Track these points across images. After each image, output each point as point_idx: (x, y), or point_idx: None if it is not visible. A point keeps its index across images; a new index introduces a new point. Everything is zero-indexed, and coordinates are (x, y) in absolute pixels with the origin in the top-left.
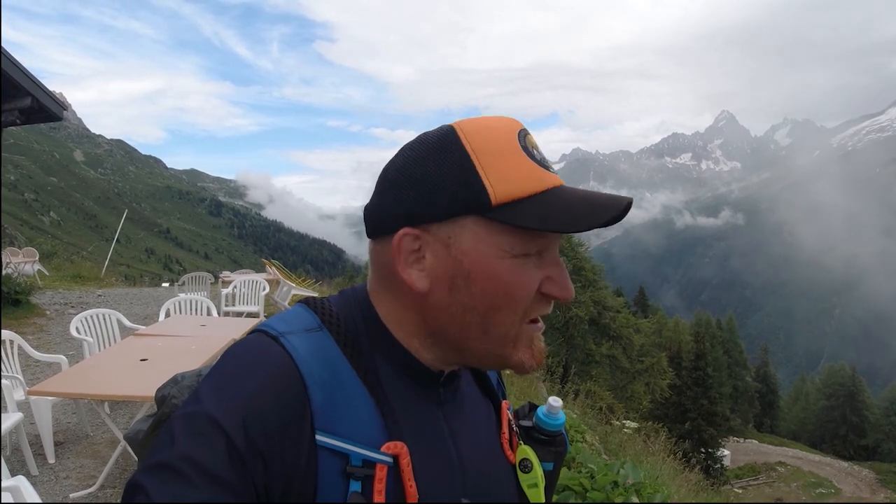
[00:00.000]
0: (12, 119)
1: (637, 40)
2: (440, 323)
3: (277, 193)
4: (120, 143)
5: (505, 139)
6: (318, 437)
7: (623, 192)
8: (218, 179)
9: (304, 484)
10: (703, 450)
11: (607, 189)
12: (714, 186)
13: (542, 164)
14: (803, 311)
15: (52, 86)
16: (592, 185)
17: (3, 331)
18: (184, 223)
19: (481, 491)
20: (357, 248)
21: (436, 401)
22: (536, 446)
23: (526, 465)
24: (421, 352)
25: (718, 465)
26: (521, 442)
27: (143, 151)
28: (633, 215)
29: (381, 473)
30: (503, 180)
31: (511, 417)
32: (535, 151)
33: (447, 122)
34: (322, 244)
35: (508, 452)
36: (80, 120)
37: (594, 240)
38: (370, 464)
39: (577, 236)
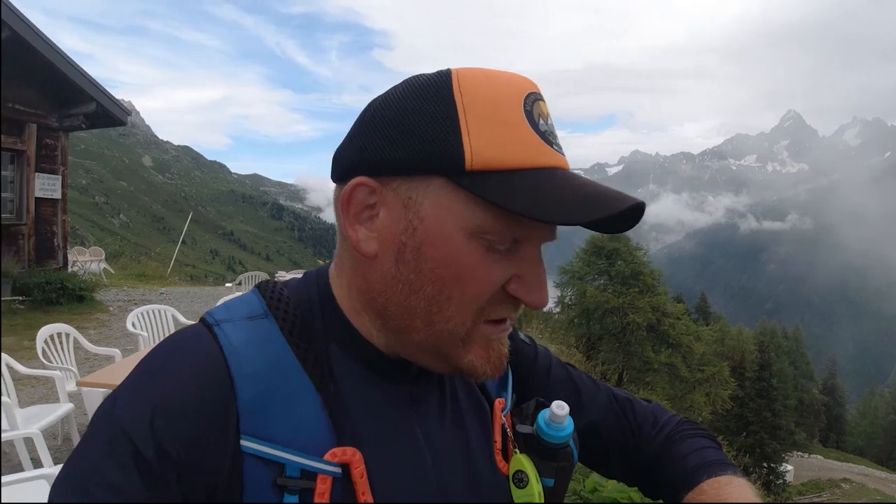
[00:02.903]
0: (78, 123)
1: (694, 39)
2: (382, 299)
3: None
4: (186, 150)
5: (508, 97)
6: (242, 441)
7: (684, 195)
8: (279, 183)
9: (228, 496)
10: (764, 464)
11: (667, 192)
12: (780, 189)
13: (546, 138)
14: (874, 322)
15: (121, 95)
16: (652, 189)
17: (59, 324)
18: (246, 226)
19: (466, 498)
20: None
21: (406, 399)
22: (536, 458)
23: (520, 480)
24: (374, 336)
25: (781, 481)
26: (517, 451)
27: (209, 157)
28: (696, 219)
29: (323, 486)
30: (487, 143)
31: (505, 420)
32: (542, 121)
33: None
34: None
35: (500, 462)
36: (148, 127)
37: (653, 244)
38: (310, 474)
39: (635, 239)
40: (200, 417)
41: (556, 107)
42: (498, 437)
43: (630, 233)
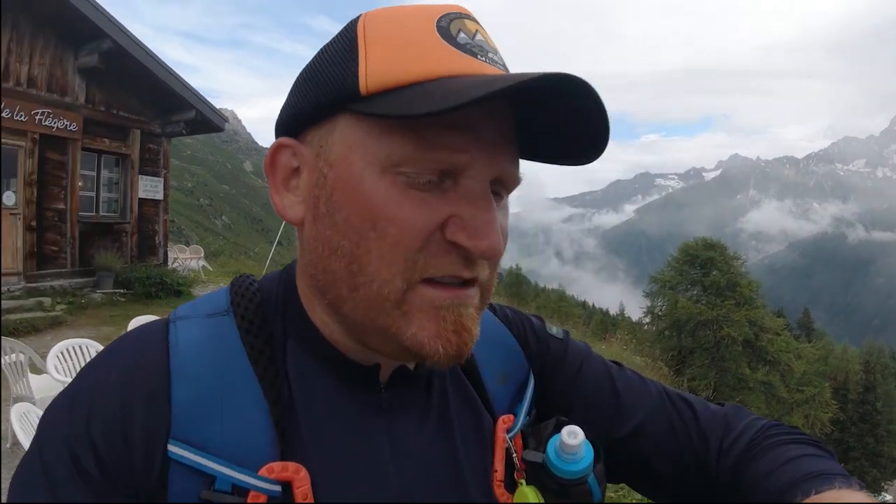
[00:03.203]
0: (178, 129)
1: (798, 36)
2: (312, 270)
3: None
4: None
5: (415, 19)
6: (170, 447)
7: (787, 202)
8: None
9: (153, 500)
10: None
11: (769, 198)
12: (892, 196)
13: (468, 50)
14: None
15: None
16: (752, 195)
17: (145, 316)
18: None
19: None
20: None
21: (373, 407)
22: (547, 494)
23: None
24: (331, 329)
25: None
26: (523, 482)
27: None
28: (800, 227)
29: None
30: (383, 63)
31: (512, 443)
32: (465, 35)
33: None
34: None
35: (502, 495)
36: (249, 135)
37: (752, 253)
38: (243, 491)
39: (732, 247)
40: (128, 417)
41: (648, 110)
42: (499, 464)
43: (727, 241)
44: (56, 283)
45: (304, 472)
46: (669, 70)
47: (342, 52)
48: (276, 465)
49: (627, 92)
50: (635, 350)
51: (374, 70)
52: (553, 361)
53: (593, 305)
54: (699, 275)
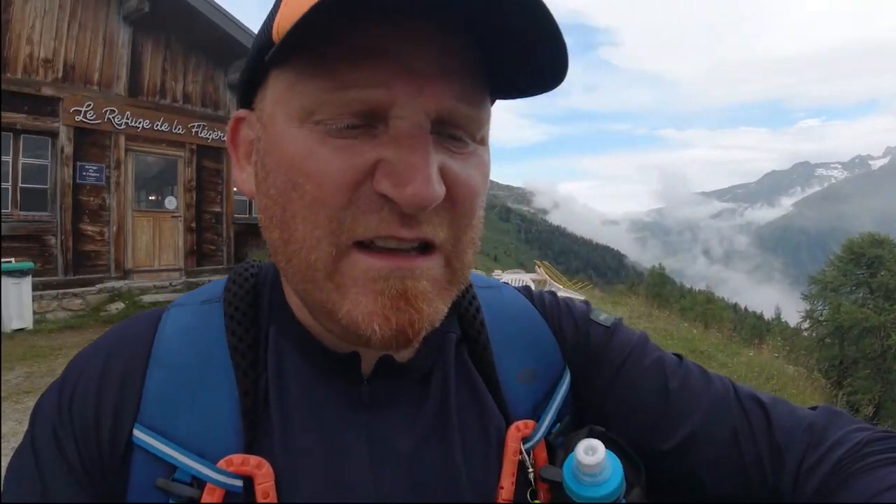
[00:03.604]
0: None
1: None
2: (267, 247)
3: (562, 199)
4: None
5: None
6: (135, 431)
7: None
8: (508, 187)
9: (114, 489)
10: None
11: None
12: None
13: None
14: None
15: None
16: None
17: None
18: None
19: None
20: (640, 253)
21: (353, 401)
22: None
23: None
24: (302, 312)
25: None
26: (537, 502)
27: None
28: None
29: (210, 499)
30: (293, 6)
31: (529, 455)
32: None
33: (742, 118)
34: (605, 249)
35: None
36: None
37: None
38: (202, 483)
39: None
40: (99, 404)
41: (805, 95)
42: (508, 479)
43: None
44: (213, 278)
45: (266, 468)
46: (829, 48)
47: (272, 8)
48: (237, 458)
49: (781, 75)
50: (788, 359)
51: (284, 14)
52: (593, 355)
53: (745, 308)
54: (865, 275)
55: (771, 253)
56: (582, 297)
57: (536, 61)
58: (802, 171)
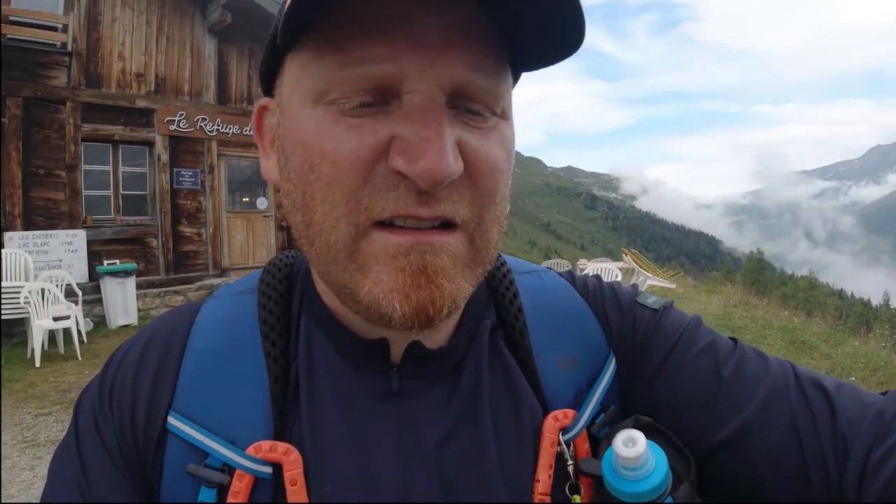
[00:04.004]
0: None
1: None
2: (292, 233)
3: (650, 184)
4: None
5: None
6: (170, 418)
7: None
8: (592, 174)
9: (152, 473)
10: None
11: None
12: None
13: None
14: None
15: None
16: None
17: None
18: (562, 217)
19: None
20: (736, 238)
21: (381, 391)
22: None
23: None
24: (330, 297)
25: None
26: (577, 499)
27: (525, 154)
28: None
29: (239, 485)
30: None
31: (569, 447)
32: None
33: (842, 90)
34: (698, 235)
35: None
36: None
37: None
38: (233, 470)
39: None
40: (136, 390)
41: None
42: (544, 471)
43: None
44: None
45: (295, 455)
46: None
47: None
48: (265, 445)
49: (881, 42)
50: None
51: None
52: (640, 340)
53: (851, 294)
54: None
55: (878, 234)
56: (672, 286)
57: (551, 24)
58: None
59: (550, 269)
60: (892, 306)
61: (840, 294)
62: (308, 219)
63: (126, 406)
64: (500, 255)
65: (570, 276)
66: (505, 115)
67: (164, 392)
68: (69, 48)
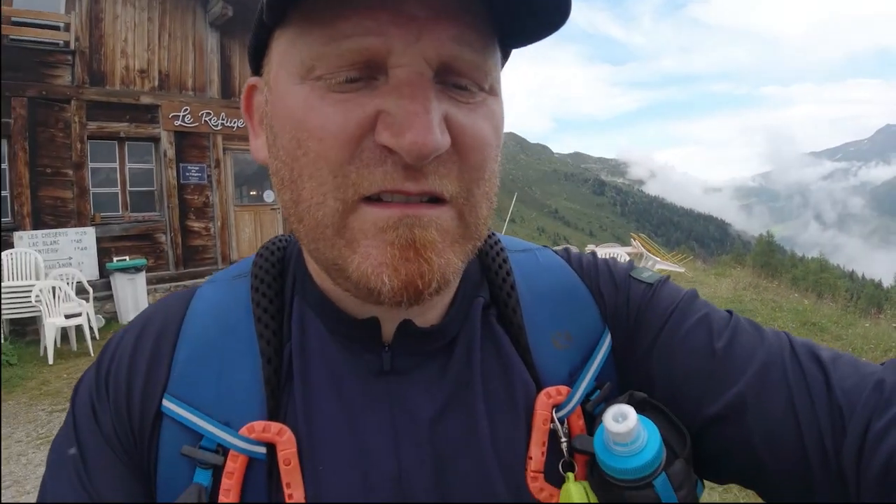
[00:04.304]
0: None
1: None
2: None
3: (658, 168)
4: (511, 136)
5: None
6: (164, 402)
7: None
8: (600, 160)
9: (148, 457)
10: None
11: None
12: None
13: None
14: None
15: None
16: None
17: None
18: (570, 203)
19: None
20: (746, 222)
21: (374, 369)
22: (603, 494)
23: None
24: (321, 277)
25: None
26: (571, 476)
27: (532, 140)
28: None
29: (233, 465)
30: None
31: (562, 424)
32: None
33: (851, 70)
34: (708, 219)
35: (536, 487)
36: None
37: None
38: (227, 451)
39: None
40: (132, 374)
41: None
42: (537, 448)
43: None
44: None
45: (288, 435)
46: None
47: None
48: (258, 425)
49: (892, 20)
50: None
51: None
52: (634, 314)
53: (862, 276)
54: None
55: (889, 215)
56: (682, 270)
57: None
58: None
59: (547, 247)
60: None
61: (851, 276)
62: (296, 196)
63: (122, 392)
64: (493, 234)
65: (566, 254)
66: (493, 91)
67: (159, 376)
68: (72, 47)
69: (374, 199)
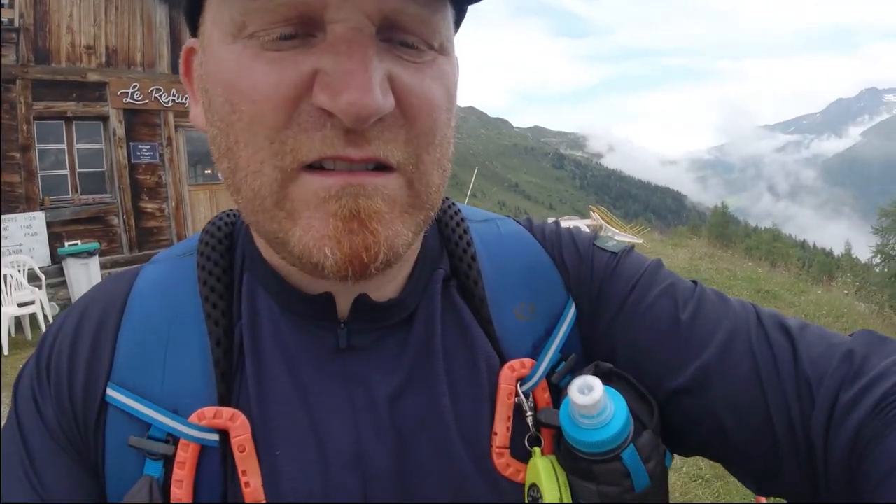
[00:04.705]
0: None
1: None
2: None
3: (617, 141)
4: (472, 110)
5: None
6: (108, 391)
7: None
8: (559, 133)
9: (94, 449)
10: None
11: None
12: None
13: None
14: None
15: None
16: None
17: None
18: (530, 177)
19: None
20: (701, 193)
21: (329, 346)
22: (571, 469)
23: (534, 500)
24: (269, 252)
25: None
26: (537, 451)
27: (492, 115)
28: None
29: (184, 455)
30: None
31: (527, 398)
32: None
33: (806, 44)
34: (664, 191)
35: (506, 463)
36: None
37: None
38: (177, 439)
39: None
40: (73, 362)
41: (873, 12)
42: (502, 423)
43: None
44: None
45: (241, 420)
46: None
47: None
48: (209, 411)
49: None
50: (859, 296)
51: None
52: (598, 284)
53: (814, 245)
54: None
55: (840, 186)
56: (640, 241)
57: None
58: (870, 98)
59: (508, 216)
60: (853, 256)
61: (803, 245)
62: (233, 164)
63: (63, 382)
64: (453, 204)
65: (528, 223)
66: (444, 50)
67: (102, 363)
68: (16, 24)
69: (316, 167)
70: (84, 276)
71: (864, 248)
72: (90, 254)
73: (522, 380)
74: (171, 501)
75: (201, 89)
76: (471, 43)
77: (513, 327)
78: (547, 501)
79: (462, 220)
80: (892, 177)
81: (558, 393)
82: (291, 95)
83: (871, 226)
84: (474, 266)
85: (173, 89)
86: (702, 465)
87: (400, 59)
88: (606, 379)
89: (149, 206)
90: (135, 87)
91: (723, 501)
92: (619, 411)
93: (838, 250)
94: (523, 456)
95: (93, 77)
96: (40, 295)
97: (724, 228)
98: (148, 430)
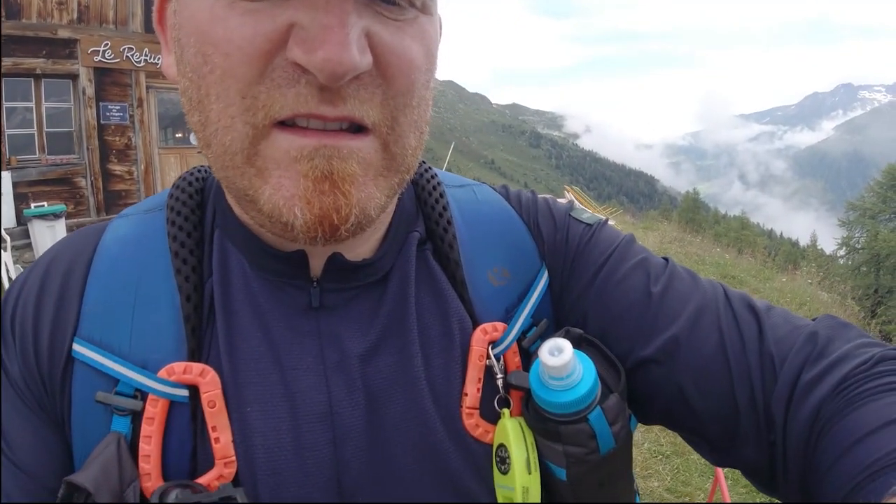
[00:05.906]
0: None
1: None
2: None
3: (594, 123)
4: (450, 84)
5: None
6: (75, 345)
7: None
8: (537, 112)
9: (61, 405)
10: None
11: None
12: None
13: None
14: None
15: None
16: None
17: None
18: (507, 154)
19: (386, 477)
20: (674, 178)
21: (302, 304)
22: (540, 431)
23: (502, 460)
24: (241, 208)
25: None
26: (506, 412)
27: (471, 90)
28: None
29: (153, 410)
30: None
31: (498, 361)
32: None
33: (786, 35)
34: (638, 175)
35: (471, 424)
36: None
37: None
38: (146, 395)
39: None
40: (38, 317)
41: (853, 6)
42: (472, 385)
43: None
44: None
45: (212, 376)
46: None
47: None
48: (178, 366)
49: None
50: (822, 285)
51: None
52: (572, 254)
53: (781, 235)
54: None
55: (809, 178)
56: (612, 223)
57: None
58: (845, 94)
59: (485, 183)
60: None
61: (770, 234)
62: (204, 118)
63: (28, 337)
64: (430, 168)
65: (505, 190)
66: (426, 9)
67: (68, 318)
68: None
69: (289, 125)
70: (50, 238)
71: (829, 240)
72: (56, 216)
73: (494, 343)
74: (140, 456)
75: (174, 39)
76: (451, 15)
77: (486, 291)
78: (514, 461)
79: (438, 184)
80: (860, 172)
81: (528, 357)
82: (265, 49)
83: (837, 219)
84: (450, 230)
85: (146, 49)
86: (662, 441)
87: (380, 16)
88: (576, 344)
89: (117, 168)
90: (106, 45)
91: (682, 476)
92: (588, 374)
93: (804, 241)
94: (492, 417)
95: (63, 34)
96: (5, 257)
97: (694, 214)
98: (115, 385)
